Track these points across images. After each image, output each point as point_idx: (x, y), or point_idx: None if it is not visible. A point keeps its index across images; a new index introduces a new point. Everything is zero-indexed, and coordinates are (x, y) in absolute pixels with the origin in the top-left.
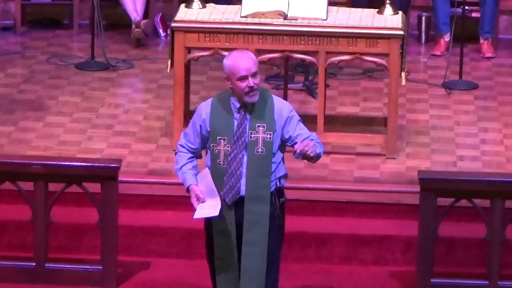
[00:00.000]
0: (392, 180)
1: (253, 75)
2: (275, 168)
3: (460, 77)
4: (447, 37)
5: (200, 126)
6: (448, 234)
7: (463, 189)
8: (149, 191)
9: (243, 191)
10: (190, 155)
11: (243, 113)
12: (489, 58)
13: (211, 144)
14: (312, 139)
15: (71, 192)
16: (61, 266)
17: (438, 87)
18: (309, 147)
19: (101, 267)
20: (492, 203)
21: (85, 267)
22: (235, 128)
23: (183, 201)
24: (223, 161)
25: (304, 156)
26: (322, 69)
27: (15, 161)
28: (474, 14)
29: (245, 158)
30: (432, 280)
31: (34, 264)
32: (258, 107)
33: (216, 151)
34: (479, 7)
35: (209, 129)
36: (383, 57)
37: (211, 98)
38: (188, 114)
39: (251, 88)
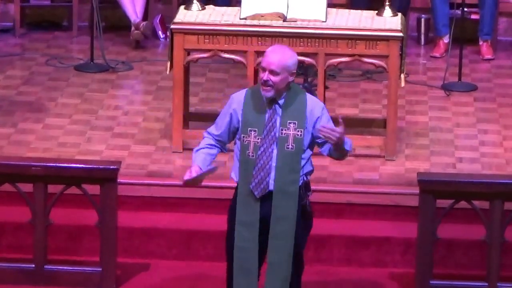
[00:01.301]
0: (391, 182)
1: (271, 72)
2: (304, 164)
3: (460, 79)
4: (446, 39)
5: (231, 115)
6: (448, 236)
7: (462, 191)
8: (148, 193)
9: (271, 185)
10: (213, 143)
11: (274, 107)
12: (488, 60)
13: (242, 135)
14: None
15: (71, 193)
16: (61, 267)
17: (438, 89)
18: (333, 132)
19: (100, 269)
20: (491, 205)
21: (84, 268)
22: (266, 121)
23: (183, 203)
24: (252, 153)
25: (331, 141)
26: (322, 70)
27: (15, 162)
28: (473, 16)
29: (275, 152)
30: (431, 282)
31: (34, 265)
32: (291, 104)
33: (246, 142)
34: (479, 9)
35: (240, 119)
36: (382, 59)
37: (246, 89)
38: (187, 116)
39: (265, 82)
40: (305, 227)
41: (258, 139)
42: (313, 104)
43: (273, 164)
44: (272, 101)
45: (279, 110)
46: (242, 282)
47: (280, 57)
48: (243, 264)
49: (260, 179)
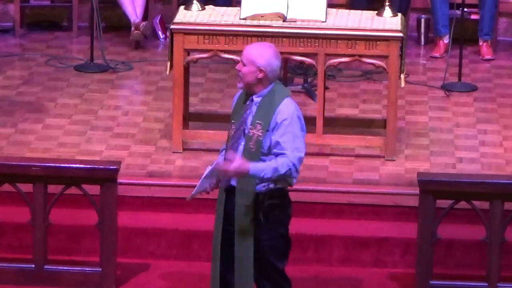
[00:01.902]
0: (391, 182)
1: (241, 62)
2: None
3: (459, 79)
4: (446, 39)
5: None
6: (447, 236)
7: (462, 191)
8: (148, 193)
9: (233, 181)
10: None
11: (251, 104)
12: (488, 60)
13: (229, 126)
14: (284, 155)
15: (70, 194)
16: (60, 268)
17: (437, 89)
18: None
19: (100, 269)
20: (491, 205)
21: (84, 269)
22: (242, 116)
23: (182, 203)
24: (227, 144)
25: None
26: (321, 71)
27: (14, 163)
28: (473, 16)
29: (241, 148)
30: (431, 282)
31: (33, 266)
32: (264, 104)
33: (228, 133)
34: (478, 9)
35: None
36: (382, 59)
37: None
38: (187, 116)
39: (238, 72)
40: (273, 238)
41: (233, 131)
42: (283, 109)
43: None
44: (252, 98)
45: (254, 108)
46: (212, 268)
47: (252, 50)
48: (213, 257)
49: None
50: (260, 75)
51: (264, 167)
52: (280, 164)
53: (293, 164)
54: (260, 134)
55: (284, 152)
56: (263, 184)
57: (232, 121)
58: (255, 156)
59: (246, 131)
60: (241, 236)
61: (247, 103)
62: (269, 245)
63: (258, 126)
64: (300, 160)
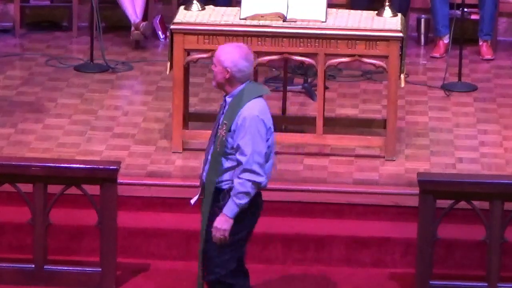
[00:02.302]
0: (391, 182)
1: (213, 61)
2: (230, 168)
3: (459, 79)
4: (446, 39)
5: None
6: (447, 236)
7: (462, 191)
8: (148, 193)
9: (205, 178)
10: None
11: (224, 104)
12: (488, 60)
13: None
14: (239, 174)
15: (70, 194)
16: (60, 268)
17: (437, 89)
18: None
19: (100, 269)
20: (491, 205)
21: (84, 269)
22: (218, 115)
23: (182, 203)
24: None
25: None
26: (321, 71)
27: (14, 163)
28: (473, 16)
29: (212, 147)
30: (431, 282)
31: (33, 266)
32: (233, 105)
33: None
34: (478, 9)
35: None
36: (382, 59)
37: None
38: (187, 116)
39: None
40: (217, 246)
41: (212, 131)
42: (246, 110)
43: (209, 158)
44: (225, 98)
45: (225, 109)
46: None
47: (220, 50)
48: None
49: (202, 170)
50: (227, 76)
51: (232, 201)
52: (238, 187)
53: (248, 177)
54: (224, 134)
55: (241, 161)
56: (225, 182)
57: (214, 121)
58: (218, 157)
59: (217, 131)
60: (205, 232)
61: (222, 103)
62: (215, 259)
63: (224, 126)
64: (260, 164)
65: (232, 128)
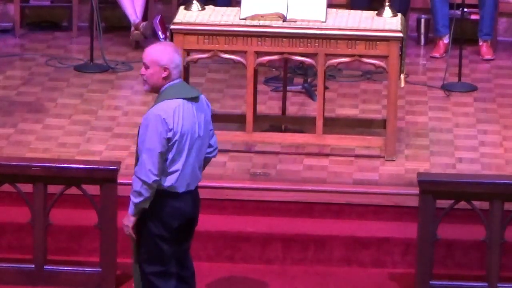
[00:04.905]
0: (391, 182)
1: (144, 65)
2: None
3: (459, 79)
4: (446, 39)
5: None
6: (447, 236)
7: (462, 191)
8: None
9: None
10: None
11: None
12: (488, 60)
13: None
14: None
15: (70, 194)
16: (60, 268)
17: (437, 89)
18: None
19: (100, 269)
20: (491, 205)
21: (84, 269)
22: None
23: None
24: None
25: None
26: (321, 71)
27: (14, 163)
28: (473, 16)
29: None
30: (431, 282)
31: (33, 266)
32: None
33: None
34: (478, 9)
35: None
36: (382, 59)
37: None
38: None
39: (141, 76)
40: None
41: None
42: (151, 110)
43: None
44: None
45: None
46: None
47: (151, 50)
48: None
49: None
50: (165, 74)
51: (131, 199)
52: (132, 184)
53: (138, 175)
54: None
55: (137, 160)
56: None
57: None
58: (137, 154)
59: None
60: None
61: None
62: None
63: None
64: (152, 163)
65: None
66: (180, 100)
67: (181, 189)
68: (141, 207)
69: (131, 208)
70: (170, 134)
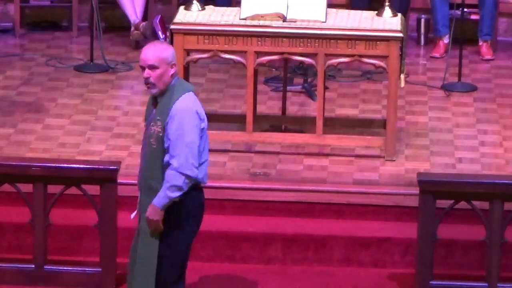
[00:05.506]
0: (391, 182)
1: (150, 67)
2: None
3: (459, 79)
4: (446, 39)
5: None
6: (447, 236)
7: (462, 191)
8: None
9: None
10: None
11: (157, 101)
12: (488, 60)
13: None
14: (171, 165)
15: (70, 194)
16: (60, 268)
17: (437, 89)
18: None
19: (100, 269)
20: (491, 205)
21: (84, 269)
22: (150, 115)
23: None
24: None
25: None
26: (321, 71)
27: (14, 163)
28: (473, 16)
29: (147, 147)
30: (431, 282)
31: (33, 266)
32: (166, 100)
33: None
34: (478, 9)
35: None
36: (382, 59)
37: None
38: None
39: (146, 80)
40: (169, 233)
41: (144, 131)
42: (179, 105)
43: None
44: (155, 95)
45: (157, 106)
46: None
47: (154, 50)
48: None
49: (140, 169)
50: (173, 70)
51: (163, 191)
52: (170, 179)
53: (181, 170)
54: (160, 130)
55: (174, 155)
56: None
57: (145, 123)
58: (157, 153)
59: (150, 129)
60: (143, 235)
61: (149, 101)
62: (167, 240)
63: (158, 122)
64: (193, 157)
65: (166, 122)
66: (192, 93)
67: (206, 179)
68: (173, 201)
69: (162, 202)
70: (203, 125)
